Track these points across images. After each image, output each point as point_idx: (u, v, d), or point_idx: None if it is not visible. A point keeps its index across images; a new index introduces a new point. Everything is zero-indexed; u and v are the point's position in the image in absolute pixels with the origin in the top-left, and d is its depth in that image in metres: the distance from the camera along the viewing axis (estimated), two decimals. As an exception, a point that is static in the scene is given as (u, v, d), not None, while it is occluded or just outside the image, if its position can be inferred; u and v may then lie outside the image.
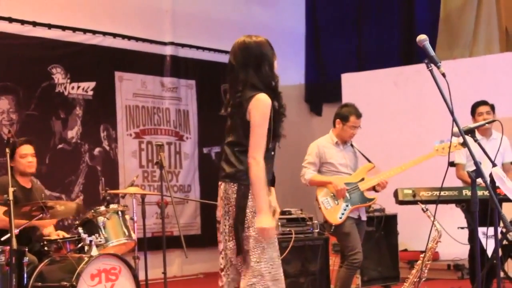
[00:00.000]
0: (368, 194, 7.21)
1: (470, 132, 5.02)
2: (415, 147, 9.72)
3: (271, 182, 4.75)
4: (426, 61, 4.50)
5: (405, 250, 10.18)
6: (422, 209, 6.64)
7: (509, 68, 9.90)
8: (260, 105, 4.57)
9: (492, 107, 8.03)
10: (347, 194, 7.07)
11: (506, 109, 9.01)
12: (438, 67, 4.44)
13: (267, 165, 4.62)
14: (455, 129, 4.74)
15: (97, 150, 10.02)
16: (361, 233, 7.25)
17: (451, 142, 6.47)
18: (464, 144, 4.54)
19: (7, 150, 6.16)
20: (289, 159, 8.99)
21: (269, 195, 4.67)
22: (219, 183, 4.75)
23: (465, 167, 8.01)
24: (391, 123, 10.61)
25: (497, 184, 5.08)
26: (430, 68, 4.43)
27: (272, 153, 4.72)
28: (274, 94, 4.66)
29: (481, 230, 6.59)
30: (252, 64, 4.66)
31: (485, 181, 4.49)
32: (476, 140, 4.98)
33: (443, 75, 4.24)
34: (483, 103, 8.01)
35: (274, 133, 4.64)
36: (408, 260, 9.68)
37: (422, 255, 6.28)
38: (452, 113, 4.42)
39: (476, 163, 4.50)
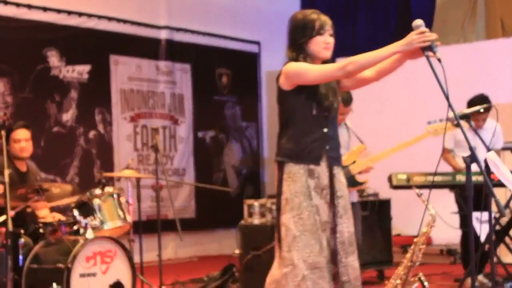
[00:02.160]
0: (358, 177, 7.22)
1: (465, 117, 5.05)
2: (409, 131, 9.79)
3: (312, 159, 4.51)
4: (423, 52, 4.49)
5: (399, 235, 10.23)
6: (417, 194, 6.67)
7: (503, 54, 9.92)
8: (286, 69, 4.47)
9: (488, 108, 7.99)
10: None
11: (501, 95, 9.03)
12: (434, 53, 4.44)
13: (317, 141, 4.48)
14: (451, 115, 4.75)
15: (92, 133, 10.03)
16: (356, 216, 7.24)
17: (446, 126, 6.49)
18: (458, 125, 4.54)
19: (3, 132, 6.17)
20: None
21: (305, 175, 4.47)
22: None
23: (453, 153, 8.06)
24: (385, 107, 10.64)
25: (491, 170, 5.10)
26: (426, 54, 4.43)
27: (325, 129, 4.51)
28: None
29: (474, 215, 6.62)
30: (289, 40, 4.61)
31: (480, 166, 4.50)
32: (471, 126, 5.01)
33: (439, 60, 4.24)
34: (478, 103, 7.92)
35: (314, 95, 4.49)
36: (402, 244, 9.73)
37: (415, 240, 6.30)
38: (447, 98, 4.43)
39: (471, 148, 4.51)
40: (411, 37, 4.17)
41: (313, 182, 4.48)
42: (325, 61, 4.55)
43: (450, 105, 4.44)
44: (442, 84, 4.36)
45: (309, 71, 4.40)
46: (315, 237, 4.43)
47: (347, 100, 7.09)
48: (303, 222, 4.44)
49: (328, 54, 4.55)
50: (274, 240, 4.58)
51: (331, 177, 4.51)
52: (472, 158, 4.56)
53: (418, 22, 4.27)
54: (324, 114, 4.52)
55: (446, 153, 8.08)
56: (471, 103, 7.78)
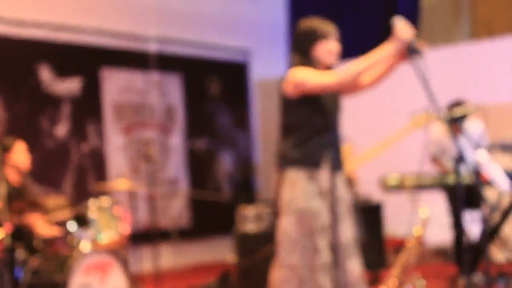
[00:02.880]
0: (350, 176, 7.28)
1: (456, 120, 5.12)
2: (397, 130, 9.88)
3: (313, 163, 4.57)
4: (408, 49, 4.57)
5: (392, 236, 10.26)
6: (409, 196, 6.73)
7: (489, 56, 9.99)
8: (290, 74, 4.56)
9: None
10: None
11: (488, 96, 9.09)
12: (418, 52, 4.52)
13: (319, 146, 4.55)
14: (439, 117, 4.82)
15: (85, 147, 10.05)
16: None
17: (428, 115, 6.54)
18: (438, 113, 4.58)
19: (-1, 148, 6.23)
20: (274, 147, 9.05)
21: (303, 180, 4.52)
22: None
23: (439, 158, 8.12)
24: (376, 111, 10.68)
25: (481, 169, 5.16)
26: (413, 57, 4.51)
27: (328, 135, 4.58)
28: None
29: (466, 214, 6.69)
30: (295, 46, 4.74)
31: (468, 168, 4.57)
32: (461, 127, 5.08)
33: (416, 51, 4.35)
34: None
35: (317, 102, 4.57)
36: (395, 246, 9.77)
37: (408, 241, 6.35)
38: (433, 100, 4.48)
39: (459, 148, 4.58)
40: (400, 30, 4.39)
41: (313, 186, 4.54)
42: (330, 67, 4.65)
43: (438, 110, 4.50)
44: (428, 86, 4.43)
45: (309, 81, 4.48)
46: (313, 241, 4.50)
47: None
48: (302, 226, 4.51)
49: (334, 60, 4.67)
50: (272, 244, 4.63)
51: (332, 181, 4.53)
52: (461, 158, 4.63)
53: (397, 19, 4.43)
54: (326, 120, 4.59)
55: (432, 159, 8.15)
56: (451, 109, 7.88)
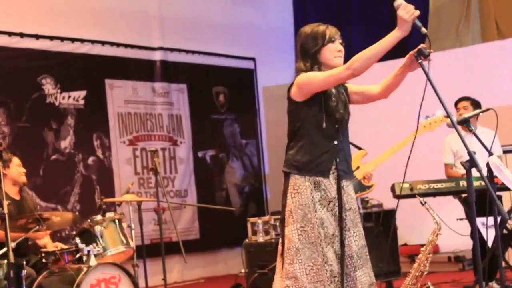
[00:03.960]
0: (365, 182, 7.19)
1: (465, 122, 5.00)
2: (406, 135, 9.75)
3: (318, 172, 4.49)
4: (415, 54, 4.51)
5: (405, 244, 10.16)
6: (421, 202, 6.60)
7: (499, 57, 9.89)
8: (297, 80, 4.51)
9: (474, 102, 7.99)
10: None
11: (499, 98, 8.99)
12: (426, 56, 4.45)
13: (326, 154, 4.50)
14: (449, 121, 4.70)
15: (91, 159, 9.96)
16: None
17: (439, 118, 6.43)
18: (448, 117, 4.50)
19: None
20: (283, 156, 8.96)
21: (310, 187, 4.45)
22: None
23: (453, 167, 8.05)
24: (383, 116, 10.59)
25: (494, 173, 5.05)
26: (420, 61, 4.44)
27: (336, 142, 4.53)
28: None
29: (480, 220, 6.57)
30: (297, 53, 4.70)
31: (479, 171, 4.45)
32: (471, 130, 4.96)
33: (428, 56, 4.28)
34: (462, 98, 8.00)
35: (325, 108, 4.51)
36: (409, 254, 9.65)
37: (422, 249, 6.24)
38: (443, 104, 4.39)
39: (469, 153, 4.47)
40: (400, 16, 4.21)
41: (318, 194, 4.46)
42: None
43: (447, 112, 4.39)
44: (437, 90, 4.33)
45: (317, 75, 4.45)
46: (318, 250, 4.39)
47: None
48: (307, 234, 4.41)
49: (340, 61, 4.61)
50: (278, 251, 4.56)
51: (339, 189, 4.49)
52: (472, 162, 4.51)
53: (398, 1, 4.23)
54: (335, 127, 4.55)
55: (447, 168, 8.09)
56: (456, 102, 7.81)
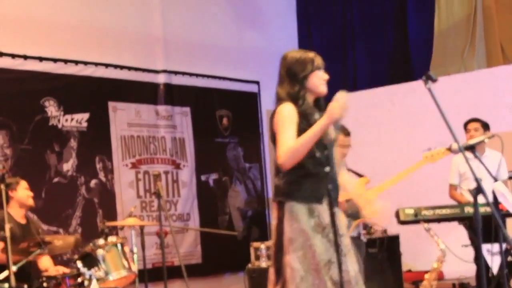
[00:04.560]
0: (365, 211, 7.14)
1: (470, 148, 4.99)
2: (410, 162, 9.69)
3: (316, 198, 4.55)
4: (424, 78, 4.52)
5: (409, 270, 10.11)
6: (425, 229, 6.58)
7: (505, 82, 9.88)
8: (278, 114, 4.57)
9: (484, 124, 8.00)
10: (348, 210, 7.00)
11: (504, 123, 8.98)
12: (434, 81, 4.47)
13: (319, 181, 4.54)
14: (455, 146, 4.70)
15: (93, 182, 9.91)
16: (361, 253, 7.17)
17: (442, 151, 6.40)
18: (450, 150, 4.53)
19: (2, 186, 6.15)
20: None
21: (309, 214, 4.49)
22: None
23: (458, 188, 8.04)
24: (387, 140, 10.58)
25: (499, 200, 5.04)
26: (429, 87, 4.44)
27: (327, 169, 4.59)
28: (296, 100, 4.62)
29: (485, 247, 6.54)
30: (280, 77, 4.74)
31: (486, 198, 4.45)
32: (476, 156, 4.95)
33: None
34: (473, 120, 8.03)
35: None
36: (413, 280, 9.60)
37: (427, 276, 6.21)
38: (451, 130, 4.39)
39: (476, 180, 4.47)
40: (332, 109, 4.35)
41: (313, 221, 4.48)
42: (319, 98, 4.71)
43: (454, 137, 4.39)
44: (445, 116, 4.32)
45: (282, 143, 4.48)
46: (319, 277, 4.41)
47: (347, 130, 7.10)
48: (308, 261, 4.43)
49: (325, 89, 4.72)
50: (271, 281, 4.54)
51: (333, 216, 4.52)
52: (478, 189, 4.50)
53: (342, 95, 4.43)
54: (325, 154, 4.57)
55: (452, 189, 8.09)
56: (466, 122, 7.81)
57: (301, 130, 4.48)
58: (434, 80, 4.50)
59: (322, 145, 4.56)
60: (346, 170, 7.28)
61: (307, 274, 4.39)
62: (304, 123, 4.52)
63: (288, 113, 4.52)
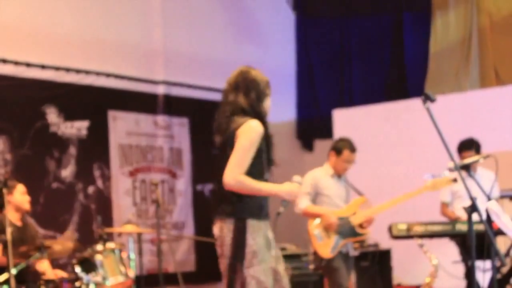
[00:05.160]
0: (359, 229, 7.26)
1: (466, 167, 5.11)
2: (407, 182, 9.79)
3: (266, 215, 4.76)
4: (423, 97, 4.62)
5: (399, 284, 10.20)
6: (419, 245, 6.70)
7: (498, 103, 10.00)
8: (250, 131, 4.64)
9: (477, 147, 8.09)
10: (339, 228, 7.12)
11: (497, 143, 9.09)
12: (433, 100, 4.57)
13: (266, 199, 4.71)
14: (451, 165, 4.81)
15: (91, 189, 10.02)
16: (349, 269, 7.29)
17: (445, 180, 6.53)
18: (455, 180, 4.63)
19: (5, 190, 6.25)
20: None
21: (264, 229, 4.68)
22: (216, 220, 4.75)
23: (450, 205, 8.14)
24: (382, 158, 10.69)
25: (492, 219, 5.14)
26: (427, 107, 4.55)
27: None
28: (262, 121, 4.73)
29: (476, 264, 6.64)
30: (242, 87, 4.78)
31: (481, 216, 4.56)
32: (471, 176, 5.06)
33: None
34: (467, 148, 8.04)
35: (269, 161, 4.72)
36: (401, 294, 9.72)
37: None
38: (447, 149, 4.51)
39: (471, 198, 4.58)
40: (289, 189, 4.65)
41: (265, 236, 4.68)
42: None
43: (451, 156, 4.52)
44: (442, 135, 4.45)
45: (235, 165, 4.62)
46: (281, 287, 4.68)
47: (354, 147, 7.24)
48: (271, 273, 4.64)
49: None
50: None
51: (272, 231, 4.79)
52: (473, 208, 4.62)
53: (297, 179, 4.74)
54: (268, 176, 4.80)
55: (444, 207, 8.18)
56: (462, 146, 7.90)
57: (259, 150, 4.66)
58: (432, 100, 4.61)
59: (269, 167, 4.75)
60: (347, 184, 7.42)
61: (273, 285, 4.60)
62: (263, 144, 4.68)
63: (257, 137, 4.64)
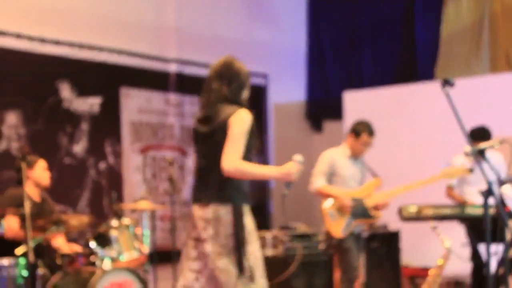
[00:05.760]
0: (372, 211, 7.34)
1: (481, 153, 5.19)
2: (418, 164, 9.90)
3: (248, 199, 4.92)
4: (442, 81, 4.68)
5: (407, 266, 10.29)
6: (432, 227, 6.75)
7: (509, 88, 10.03)
8: (243, 120, 4.81)
9: (488, 136, 8.10)
10: (353, 209, 7.20)
11: (507, 129, 9.14)
12: (452, 85, 4.63)
13: (247, 183, 4.90)
14: (468, 149, 4.89)
15: (102, 165, 10.09)
16: (360, 250, 7.38)
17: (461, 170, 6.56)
18: (472, 171, 4.69)
19: (23, 165, 6.31)
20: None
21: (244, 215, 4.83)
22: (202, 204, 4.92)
23: (457, 187, 8.19)
24: (392, 140, 10.73)
25: (505, 202, 5.22)
26: (446, 92, 4.61)
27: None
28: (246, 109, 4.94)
29: (484, 247, 6.73)
30: (226, 77, 5.01)
31: (497, 200, 4.63)
32: (486, 160, 5.14)
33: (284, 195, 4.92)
34: (482, 138, 8.00)
35: (254, 147, 4.90)
36: (409, 276, 9.79)
37: (430, 271, 6.41)
38: (466, 133, 4.57)
39: (488, 183, 4.65)
40: (290, 169, 4.72)
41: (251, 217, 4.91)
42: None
43: (469, 140, 4.59)
44: (460, 119, 4.52)
45: (233, 152, 4.74)
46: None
47: (372, 130, 7.31)
48: (260, 252, 4.93)
49: None
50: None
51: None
52: (489, 192, 4.70)
53: (298, 158, 4.75)
54: (255, 157, 4.99)
55: (449, 190, 8.23)
56: (473, 135, 7.91)
57: (248, 138, 4.82)
58: (451, 85, 4.68)
59: (255, 151, 4.93)
60: (363, 167, 7.50)
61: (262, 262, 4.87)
62: (250, 134, 4.83)
63: (249, 126, 4.83)
